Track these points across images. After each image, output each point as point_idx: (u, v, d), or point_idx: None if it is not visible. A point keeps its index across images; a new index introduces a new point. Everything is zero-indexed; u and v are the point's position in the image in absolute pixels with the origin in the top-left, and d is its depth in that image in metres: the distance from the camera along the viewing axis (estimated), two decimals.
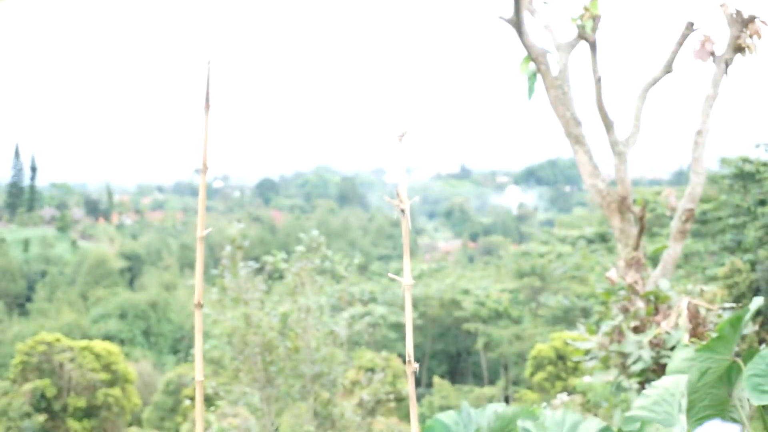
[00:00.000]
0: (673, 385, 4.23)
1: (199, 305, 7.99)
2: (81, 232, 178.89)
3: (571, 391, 55.35)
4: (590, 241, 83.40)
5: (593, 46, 9.98)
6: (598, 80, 9.99)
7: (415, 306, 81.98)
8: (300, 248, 16.36)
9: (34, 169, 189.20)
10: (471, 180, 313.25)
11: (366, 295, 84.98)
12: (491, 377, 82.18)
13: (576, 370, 58.10)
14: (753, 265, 55.04)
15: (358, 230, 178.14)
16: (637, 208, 9.58)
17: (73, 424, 55.11)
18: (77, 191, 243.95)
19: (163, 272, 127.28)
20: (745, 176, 64.75)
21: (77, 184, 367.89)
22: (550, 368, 59.64)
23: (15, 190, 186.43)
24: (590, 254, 79.81)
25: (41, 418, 53.33)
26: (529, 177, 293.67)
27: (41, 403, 54.81)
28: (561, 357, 59.86)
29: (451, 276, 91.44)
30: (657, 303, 7.79)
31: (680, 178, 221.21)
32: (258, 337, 14.90)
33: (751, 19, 9.83)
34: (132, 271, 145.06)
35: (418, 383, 76.77)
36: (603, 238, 76.80)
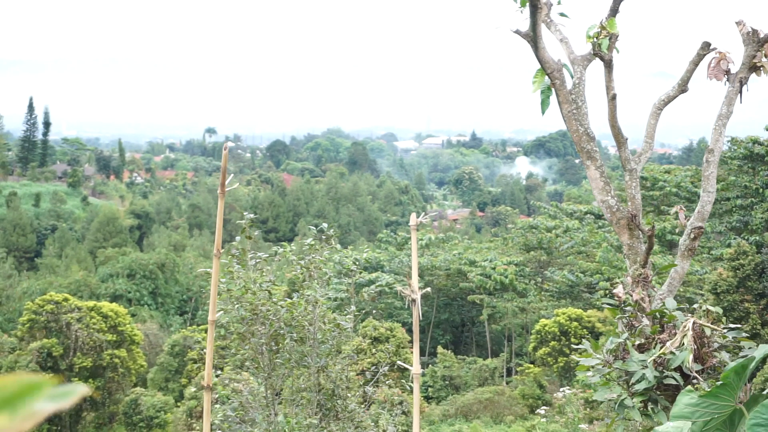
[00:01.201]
0: (676, 431, 4.48)
1: (218, 254, 8.37)
2: (92, 189, 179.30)
3: (571, 376, 55.68)
4: (598, 217, 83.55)
5: (609, 64, 10.17)
6: (613, 98, 10.18)
7: (421, 276, 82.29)
8: (309, 240, 16.43)
9: (47, 124, 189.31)
10: (481, 149, 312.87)
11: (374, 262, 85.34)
12: (494, 349, 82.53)
13: (579, 345, 58.28)
14: (759, 246, 55.12)
15: (367, 195, 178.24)
16: (646, 227, 9.83)
17: (78, 383, 55.52)
18: (90, 146, 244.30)
19: (172, 232, 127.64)
20: (754, 157, 64.75)
21: (90, 139, 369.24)
22: (553, 343, 59.97)
23: (28, 144, 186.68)
24: (597, 230, 79.94)
25: (47, 376, 53.74)
26: (539, 148, 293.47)
27: (47, 362, 55.31)
28: (564, 332, 60.20)
29: (458, 247, 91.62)
30: (663, 321, 8.07)
31: (690, 155, 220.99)
32: (265, 327, 15.08)
33: None
34: (141, 229, 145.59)
35: (422, 352, 77.07)
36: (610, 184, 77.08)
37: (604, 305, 8.67)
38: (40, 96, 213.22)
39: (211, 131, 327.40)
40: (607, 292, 64.99)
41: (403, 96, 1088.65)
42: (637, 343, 8.01)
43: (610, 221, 10.15)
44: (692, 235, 10.14)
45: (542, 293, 78.01)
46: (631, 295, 8.41)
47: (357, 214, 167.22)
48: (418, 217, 6.95)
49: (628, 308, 8.34)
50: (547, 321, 61.95)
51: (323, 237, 17.05)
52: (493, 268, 78.50)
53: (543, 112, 10.57)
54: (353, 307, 17.29)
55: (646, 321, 8.11)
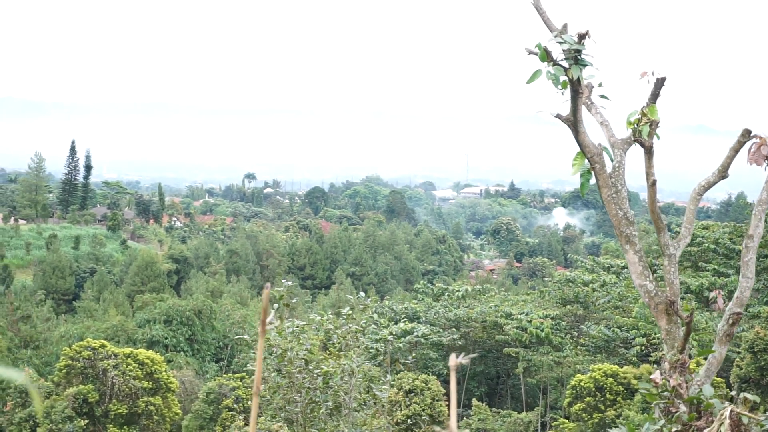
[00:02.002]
0: None
1: (257, 392, 8.45)
2: (131, 232, 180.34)
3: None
4: None
5: (649, 150, 10.27)
6: (653, 184, 10.28)
7: (457, 327, 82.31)
8: (347, 310, 16.50)
9: (88, 167, 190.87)
10: (519, 200, 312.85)
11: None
12: (529, 402, 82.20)
13: (615, 402, 58.13)
14: None
15: (404, 244, 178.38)
16: (684, 313, 9.88)
17: (113, 430, 55.76)
18: (130, 189, 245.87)
19: (209, 278, 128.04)
20: None
21: (130, 182, 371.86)
22: (588, 399, 59.67)
23: (69, 186, 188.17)
24: (634, 286, 79.56)
25: (82, 422, 53.98)
26: (577, 199, 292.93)
27: (83, 408, 55.48)
28: (600, 388, 59.90)
29: (495, 299, 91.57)
30: (700, 408, 8.14)
31: (728, 209, 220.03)
32: (301, 395, 15.16)
33: None
34: (179, 274, 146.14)
35: (457, 404, 76.87)
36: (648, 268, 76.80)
37: (642, 391, 8.73)
38: (82, 139, 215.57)
39: (250, 177, 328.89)
40: (643, 347, 64.59)
41: (442, 145, 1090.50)
42: (674, 430, 8.06)
43: (648, 305, 10.19)
44: (730, 321, 10.17)
45: (578, 347, 77.66)
46: (669, 381, 8.47)
47: (394, 262, 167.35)
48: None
49: (665, 394, 8.40)
50: (582, 376, 61.69)
51: (361, 306, 17.15)
52: (530, 321, 78.35)
53: (582, 195, 10.68)
54: (389, 377, 17.36)
55: (683, 408, 8.17)
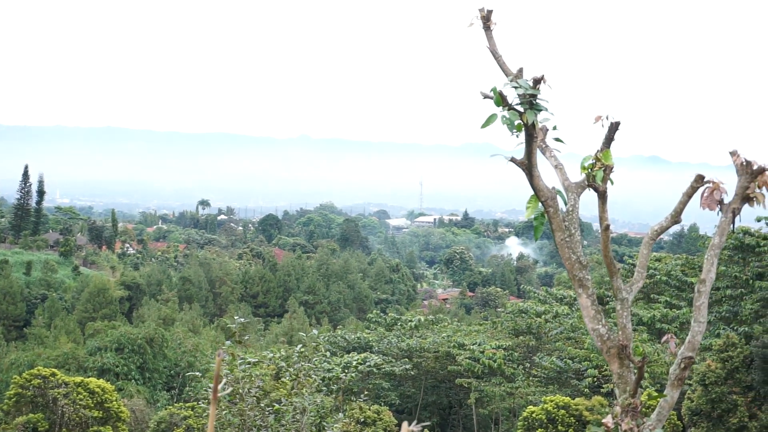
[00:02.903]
0: None
1: None
2: (83, 258, 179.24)
3: None
4: None
5: (603, 195, 10.35)
6: (606, 228, 10.36)
7: (410, 357, 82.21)
8: (299, 348, 16.48)
9: (41, 192, 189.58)
10: (473, 229, 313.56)
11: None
12: None
13: None
14: (748, 338, 55.32)
15: (357, 273, 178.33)
16: (636, 358, 9.96)
17: None
18: (83, 215, 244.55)
19: (162, 305, 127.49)
20: (744, 248, 65.04)
21: (83, 207, 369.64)
22: (540, 431, 59.75)
23: (21, 212, 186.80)
24: None
25: None
26: (530, 229, 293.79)
27: None
28: (552, 420, 60.00)
29: (448, 329, 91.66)
30: None
31: (680, 241, 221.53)
32: None
33: (761, 170, 10.22)
34: (131, 300, 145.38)
35: None
36: (600, 300, 76.92)
37: None
38: (35, 163, 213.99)
39: (204, 203, 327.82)
40: (595, 379, 64.82)
41: (396, 173, 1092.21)
42: None
43: (600, 350, 10.26)
44: (682, 365, 10.24)
45: (530, 378, 77.78)
46: (620, 425, 8.51)
47: (347, 291, 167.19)
48: None
49: None
50: (534, 408, 61.73)
51: (314, 344, 17.17)
52: (482, 352, 78.41)
53: (536, 238, 10.75)
54: (341, 415, 17.38)
55: None
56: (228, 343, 15.56)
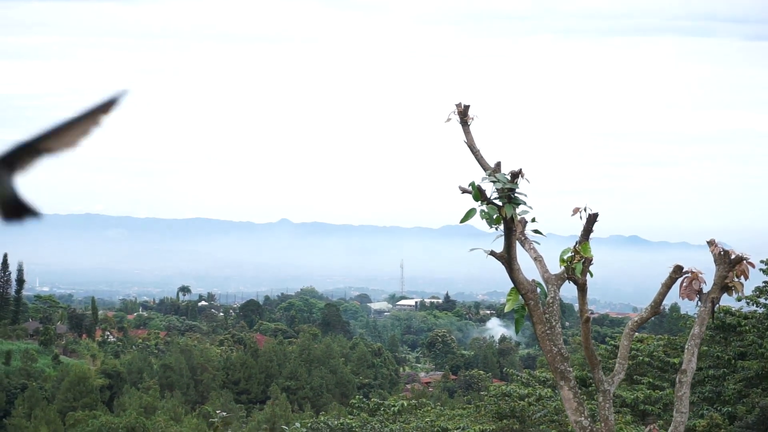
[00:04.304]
0: None
1: None
2: (64, 347, 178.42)
3: None
4: None
5: (582, 288, 10.48)
6: (586, 321, 10.48)
7: None
8: None
9: (20, 281, 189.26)
10: (454, 312, 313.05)
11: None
12: None
13: None
14: (732, 419, 55.28)
15: (340, 358, 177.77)
16: None
17: None
18: (63, 303, 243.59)
19: (143, 393, 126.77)
20: (726, 328, 65.14)
21: (63, 295, 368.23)
22: None
23: (0, 301, 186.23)
24: None
25: None
26: (512, 311, 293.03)
27: None
28: None
29: (431, 413, 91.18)
30: None
31: (662, 321, 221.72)
32: None
33: (739, 260, 10.36)
34: (112, 389, 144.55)
35: None
36: (584, 382, 76.76)
37: None
38: (14, 251, 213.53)
39: (185, 290, 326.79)
40: None
41: (377, 257, 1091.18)
42: None
43: None
44: None
45: None
46: None
47: (329, 376, 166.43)
48: None
49: None
50: None
51: None
52: None
53: (517, 332, 10.87)
54: None
55: None
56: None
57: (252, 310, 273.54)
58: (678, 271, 10.54)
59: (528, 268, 11.06)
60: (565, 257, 10.59)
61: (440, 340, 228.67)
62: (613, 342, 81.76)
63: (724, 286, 10.50)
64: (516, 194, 10.19)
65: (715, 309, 10.57)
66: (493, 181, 10.20)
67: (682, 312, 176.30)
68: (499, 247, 10.72)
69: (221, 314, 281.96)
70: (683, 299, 10.43)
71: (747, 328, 63.97)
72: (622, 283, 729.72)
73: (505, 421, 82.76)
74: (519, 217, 10.58)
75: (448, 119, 11.36)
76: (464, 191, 10.40)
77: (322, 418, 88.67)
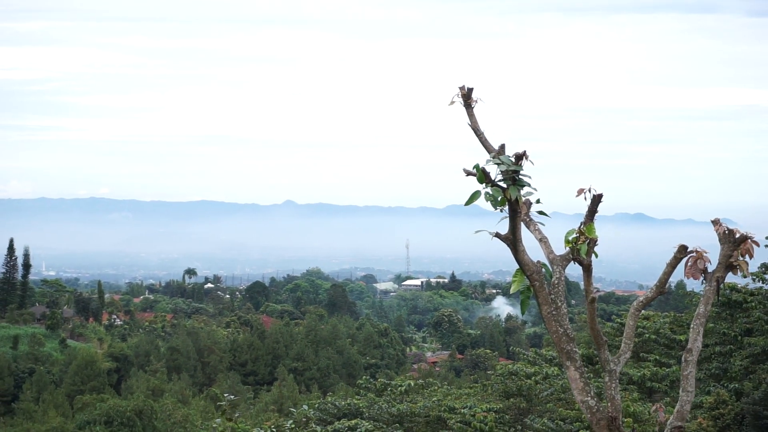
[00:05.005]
0: None
1: None
2: (70, 331, 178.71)
3: None
4: None
5: (587, 269, 10.49)
6: (592, 301, 10.48)
7: (400, 422, 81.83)
8: (290, 423, 16.59)
9: (26, 266, 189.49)
10: (460, 291, 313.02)
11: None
12: None
13: None
14: (738, 395, 55.24)
15: (346, 338, 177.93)
16: (626, 429, 10.03)
17: None
18: (69, 287, 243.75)
19: (150, 376, 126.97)
20: (732, 304, 65.03)
21: (69, 279, 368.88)
22: None
23: (7, 286, 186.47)
24: None
25: None
26: (518, 292, 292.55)
27: None
28: None
29: (438, 392, 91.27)
30: None
31: (668, 298, 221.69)
32: None
33: (743, 238, 10.36)
34: (119, 372, 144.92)
35: None
36: (590, 360, 76.78)
37: None
38: (20, 236, 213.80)
39: (191, 272, 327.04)
40: None
41: (383, 237, 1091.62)
42: None
43: (590, 422, 10.33)
44: None
45: None
46: None
47: (336, 357, 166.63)
48: None
49: None
50: None
51: (305, 418, 17.18)
52: (473, 415, 78.10)
53: (523, 313, 10.89)
54: None
55: None
56: (218, 421, 15.56)
57: (258, 292, 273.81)
58: (683, 250, 10.54)
59: (533, 248, 11.09)
60: (570, 238, 10.60)
61: (446, 319, 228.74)
62: (619, 320, 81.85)
63: (729, 265, 10.51)
64: (520, 176, 10.22)
65: (721, 287, 10.55)
66: (498, 163, 10.23)
67: (688, 289, 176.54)
68: (503, 228, 10.74)
69: (227, 296, 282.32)
70: (688, 279, 10.43)
71: (753, 304, 63.89)
72: (627, 260, 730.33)
73: (512, 399, 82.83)
74: (524, 199, 10.59)
75: (452, 102, 11.37)
76: (468, 174, 10.41)
77: (330, 399, 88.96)
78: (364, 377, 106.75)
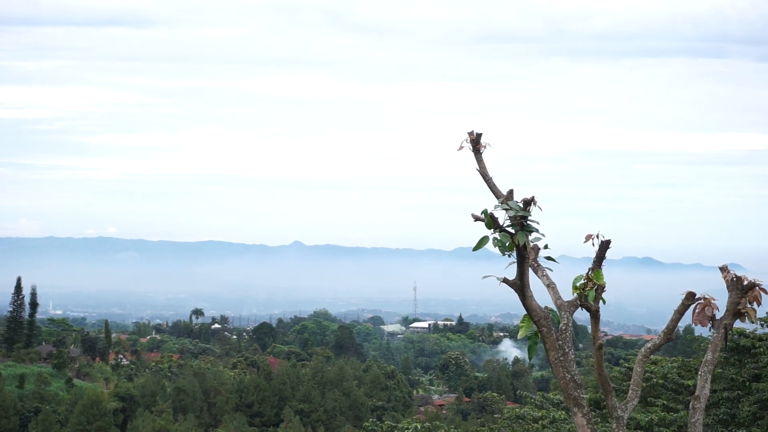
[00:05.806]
0: None
1: None
2: (77, 370, 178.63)
3: None
4: None
5: (595, 315, 10.52)
6: (599, 348, 10.50)
7: None
8: None
9: (34, 305, 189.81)
10: (468, 334, 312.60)
11: None
12: None
13: None
14: None
15: (353, 380, 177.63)
16: None
17: None
18: (76, 326, 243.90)
19: (156, 417, 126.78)
20: (740, 350, 64.81)
21: (76, 318, 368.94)
22: None
23: (14, 324, 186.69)
24: None
25: None
26: (525, 337, 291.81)
27: None
28: None
29: None
30: None
31: (676, 343, 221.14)
32: None
33: (752, 286, 10.38)
34: (125, 412, 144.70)
35: None
36: (598, 404, 76.60)
37: None
38: (27, 275, 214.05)
39: (198, 312, 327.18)
40: None
41: (390, 279, 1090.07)
42: None
43: None
44: None
45: None
46: None
47: (343, 398, 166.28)
48: None
49: None
50: None
51: None
52: None
53: (530, 359, 10.92)
54: None
55: None
56: None
57: (265, 333, 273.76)
58: (690, 297, 10.56)
59: (540, 290, 11.11)
60: (578, 284, 10.64)
61: (453, 362, 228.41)
62: (626, 364, 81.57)
63: (736, 312, 10.52)
64: (529, 222, 10.27)
65: (729, 332, 10.57)
66: (506, 209, 10.29)
67: (696, 334, 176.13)
68: (511, 273, 10.78)
69: (234, 337, 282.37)
70: (696, 325, 10.46)
71: (761, 350, 63.65)
72: (635, 304, 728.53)
73: None
74: (532, 245, 10.64)
75: (461, 147, 11.44)
76: (477, 219, 10.47)
77: None
78: (370, 419, 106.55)
